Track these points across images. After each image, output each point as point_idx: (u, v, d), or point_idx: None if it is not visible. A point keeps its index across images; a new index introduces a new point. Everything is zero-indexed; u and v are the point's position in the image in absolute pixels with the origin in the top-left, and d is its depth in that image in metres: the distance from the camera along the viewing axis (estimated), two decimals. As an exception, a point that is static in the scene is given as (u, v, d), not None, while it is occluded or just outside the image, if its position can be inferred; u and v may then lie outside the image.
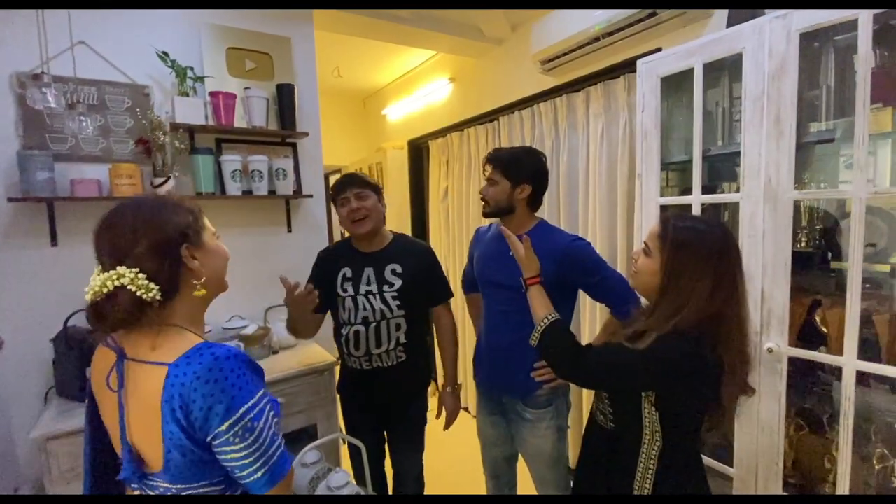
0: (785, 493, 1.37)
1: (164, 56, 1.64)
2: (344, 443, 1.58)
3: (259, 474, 0.73)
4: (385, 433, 1.72)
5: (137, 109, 1.66)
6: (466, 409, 3.13)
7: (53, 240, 1.55)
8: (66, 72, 1.53)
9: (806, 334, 1.41)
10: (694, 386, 0.97)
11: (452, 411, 1.68)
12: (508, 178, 1.43)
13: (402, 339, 1.59)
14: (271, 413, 0.75)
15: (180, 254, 0.76)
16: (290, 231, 2.03)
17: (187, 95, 1.68)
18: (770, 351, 1.34)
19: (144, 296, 0.71)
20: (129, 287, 0.70)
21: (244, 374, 0.73)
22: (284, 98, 1.86)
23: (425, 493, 1.84)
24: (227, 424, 0.69)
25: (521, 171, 1.44)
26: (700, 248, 0.94)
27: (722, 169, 1.68)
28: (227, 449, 0.71)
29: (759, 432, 1.40)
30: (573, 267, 1.39)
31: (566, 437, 1.54)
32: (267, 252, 1.97)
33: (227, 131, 1.80)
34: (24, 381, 1.55)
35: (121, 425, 0.75)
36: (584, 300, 2.24)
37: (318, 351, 1.88)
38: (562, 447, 1.53)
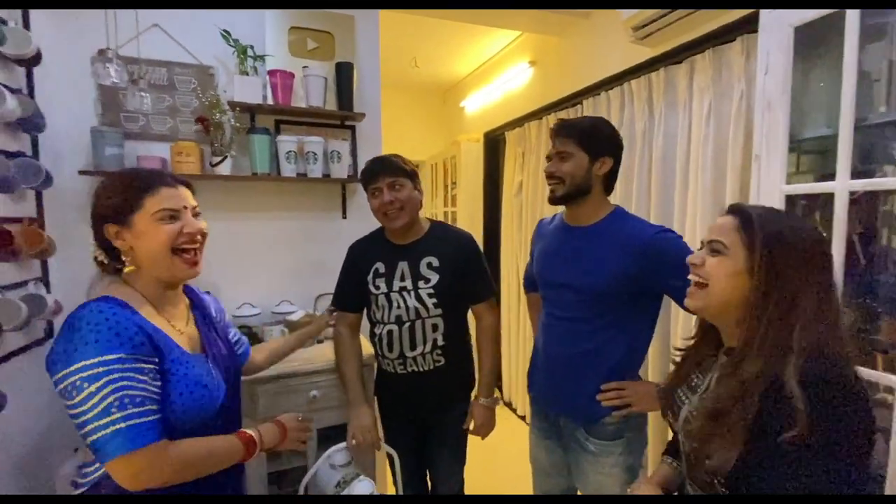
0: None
1: (226, 35, 1.64)
2: (378, 448, 1.43)
3: (89, 440, 0.73)
4: (424, 443, 1.54)
5: (203, 90, 1.68)
6: (524, 419, 2.85)
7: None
8: (137, 52, 1.59)
9: None
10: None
11: (482, 425, 1.46)
12: (586, 151, 1.17)
13: (440, 342, 1.40)
14: (97, 385, 0.72)
15: (104, 231, 0.85)
16: (344, 217, 1.95)
17: (247, 74, 1.67)
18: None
19: (99, 257, 0.88)
20: (91, 251, 0.89)
21: (100, 334, 0.74)
22: (343, 77, 1.78)
23: (467, 515, 1.64)
24: (59, 375, 0.73)
25: (602, 141, 1.17)
26: (801, 244, 0.72)
27: (881, 148, 1.24)
28: (64, 402, 0.73)
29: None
30: (658, 264, 1.10)
31: (638, 479, 1.24)
32: (320, 238, 1.91)
33: (285, 111, 1.76)
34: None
35: None
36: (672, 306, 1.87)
37: (365, 346, 1.76)
38: (633, 491, 1.23)
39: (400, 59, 3.27)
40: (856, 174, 1.17)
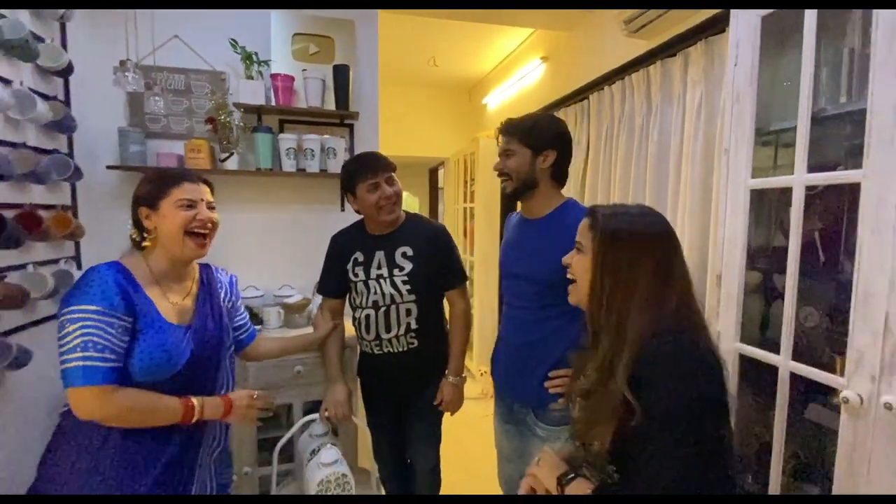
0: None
1: (234, 43, 1.82)
2: (349, 421, 1.55)
3: (60, 368, 0.90)
4: (401, 420, 1.65)
5: (216, 93, 1.87)
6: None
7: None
8: (161, 62, 1.81)
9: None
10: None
11: (450, 401, 1.54)
12: (528, 146, 1.22)
13: (413, 325, 1.49)
14: (71, 328, 0.89)
15: (139, 213, 1.06)
16: (342, 210, 2.09)
17: (252, 79, 1.84)
18: (889, 407, 0.89)
19: (133, 236, 1.09)
20: (129, 231, 1.10)
21: (91, 288, 0.92)
22: (340, 79, 1.90)
23: (441, 489, 1.73)
24: (60, 314, 0.92)
25: (543, 135, 1.22)
26: (633, 237, 0.80)
27: (847, 138, 1.18)
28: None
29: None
30: None
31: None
32: (319, 229, 2.04)
33: (287, 112, 1.92)
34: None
35: None
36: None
37: (350, 328, 1.89)
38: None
39: (417, 57, 3.38)
40: (818, 168, 1.13)
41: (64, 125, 1.49)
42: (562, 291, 1.24)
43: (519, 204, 1.37)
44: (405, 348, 1.52)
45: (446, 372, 1.57)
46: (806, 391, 1.18)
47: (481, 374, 3.41)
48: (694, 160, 1.72)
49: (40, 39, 1.41)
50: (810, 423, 1.19)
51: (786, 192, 1.14)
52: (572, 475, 0.82)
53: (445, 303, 1.61)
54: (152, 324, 1.00)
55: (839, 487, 1.01)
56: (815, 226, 1.16)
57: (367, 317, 1.51)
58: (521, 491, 0.96)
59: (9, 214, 1.24)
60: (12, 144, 1.30)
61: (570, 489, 0.81)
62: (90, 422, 0.94)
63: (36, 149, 1.39)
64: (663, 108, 1.93)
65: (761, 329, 1.35)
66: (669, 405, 0.69)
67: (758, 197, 1.31)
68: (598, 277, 0.80)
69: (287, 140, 1.88)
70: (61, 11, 1.46)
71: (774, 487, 1.19)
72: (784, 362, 1.13)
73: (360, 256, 1.52)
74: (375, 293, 1.49)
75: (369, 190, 1.44)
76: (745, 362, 1.27)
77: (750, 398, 1.34)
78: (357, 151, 2.06)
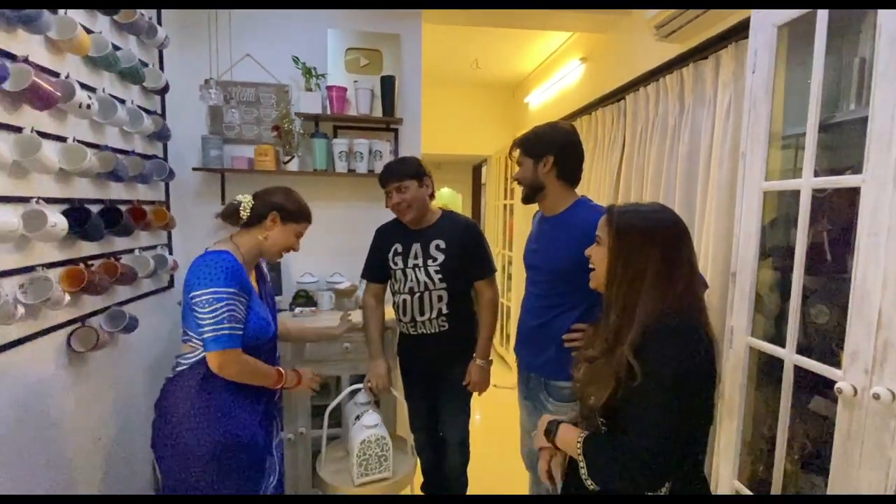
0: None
1: (296, 59, 2.07)
2: (388, 392, 1.76)
3: (205, 336, 1.12)
4: (435, 394, 1.83)
5: (280, 104, 2.14)
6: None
7: (222, 199, 2.16)
8: (235, 77, 2.10)
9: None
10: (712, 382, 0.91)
11: (477, 382, 1.71)
12: (529, 155, 1.39)
13: (444, 310, 1.68)
14: (218, 305, 1.11)
15: (268, 214, 1.27)
16: (387, 206, 2.30)
17: (311, 90, 2.09)
18: (877, 397, 0.95)
19: (242, 213, 1.26)
20: (243, 205, 1.26)
21: (215, 273, 1.12)
22: (386, 88, 2.11)
23: (470, 462, 1.90)
24: (192, 294, 1.12)
25: (541, 144, 1.37)
26: (644, 230, 0.93)
27: (857, 145, 1.22)
28: (193, 312, 1.13)
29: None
30: None
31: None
32: (367, 223, 2.26)
33: (340, 119, 2.15)
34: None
35: None
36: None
37: (391, 312, 2.10)
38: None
39: (461, 61, 3.54)
40: (838, 172, 1.18)
41: (162, 135, 1.81)
42: (570, 280, 1.38)
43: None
44: (437, 330, 1.71)
45: (474, 355, 1.74)
46: (813, 384, 1.23)
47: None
48: (721, 161, 1.77)
49: (145, 65, 1.71)
50: (815, 415, 1.25)
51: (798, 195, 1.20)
52: (557, 423, 0.99)
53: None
54: (255, 300, 1.25)
55: (834, 476, 1.08)
56: (825, 227, 1.21)
57: (405, 301, 1.71)
58: (542, 465, 1.11)
59: (123, 209, 1.56)
60: (125, 152, 1.61)
61: (559, 437, 0.97)
62: (204, 376, 1.18)
63: (142, 155, 1.70)
64: (695, 109, 1.97)
65: (776, 325, 1.40)
66: (668, 370, 0.84)
67: (777, 198, 1.37)
68: (613, 264, 0.94)
69: (340, 144, 2.12)
70: (161, 39, 1.77)
71: (777, 476, 1.25)
72: (789, 355, 1.20)
73: (399, 247, 1.72)
74: (411, 280, 1.69)
75: (388, 196, 1.69)
76: (763, 358, 1.34)
77: (766, 392, 1.41)
78: (400, 153, 2.27)
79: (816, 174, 1.14)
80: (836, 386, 1.04)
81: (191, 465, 1.15)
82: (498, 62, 3.64)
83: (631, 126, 2.47)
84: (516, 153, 1.42)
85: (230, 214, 1.28)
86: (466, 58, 3.49)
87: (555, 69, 3.40)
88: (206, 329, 1.12)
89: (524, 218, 3.58)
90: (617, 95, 2.58)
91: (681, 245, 0.94)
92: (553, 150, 1.36)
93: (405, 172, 1.65)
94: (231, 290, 1.13)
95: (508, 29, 2.95)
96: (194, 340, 1.19)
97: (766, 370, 1.37)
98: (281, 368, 1.34)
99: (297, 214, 1.32)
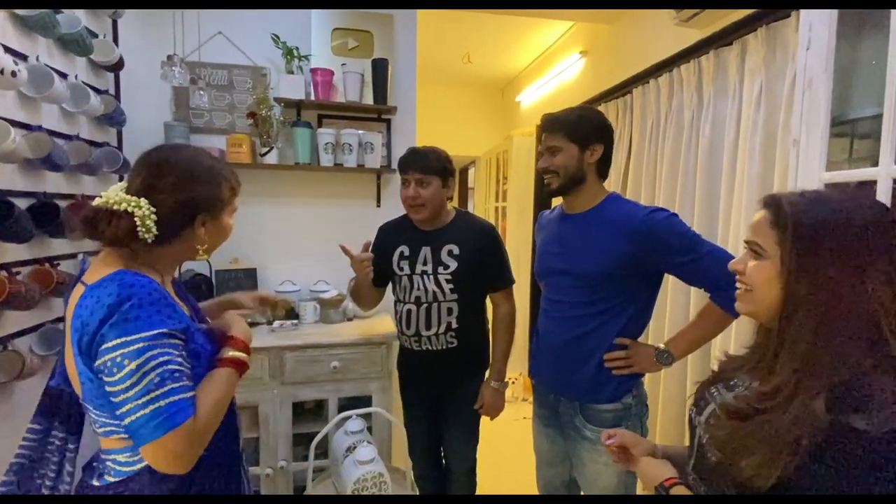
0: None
1: (275, 38, 1.83)
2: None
3: (135, 416, 0.66)
4: (438, 418, 1.61)
5: (257, 88, 1.88)
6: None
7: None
8: (205, 58, 1.83)
9: None
10: None
11: (490, 406, 1.51)
12: (575, 141, 1.18)
13: (454, 325, 1.46)
14: (160, 357, 0.68)
15: (195, 218, 0.79)
16: (378, 206, 2.07)
17: (292, 73, 1.84)
18: None
19: (141, 232, 0.72)
20: (135, 218, 0.72)
21: (142, 309, 0.68)
22: (378, 73, 1.89)
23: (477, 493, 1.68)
24: (101, 349, 0.66)
25: (589, 129, 1.18)
26: (846, 233, 0.59)
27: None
28: (108, 379, 0.67)
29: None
30: (653, 244, 1.10)
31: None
32: (355, 224, 2.04)
33: (326, 106, 1.92)
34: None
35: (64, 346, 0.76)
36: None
37: (388, 324, 1.87)
38: (631, 482, 1.20)
39: (451, 54, 3.35)
40: (909, 159, 1.03)
41: (114, 119, 1.53)
42: (607, 284, 1.19)
43: (553, 201, 1.32)
44: (444, 346, 1.48)
45: (487, 376, 1.52)
46: None
47: (513, 382, 3.32)
48: (752, 155, 1.61)
49: (94, 35, 1.44)
50: None
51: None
52: (670, 485, 0.73)
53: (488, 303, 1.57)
54: (194, 332, 0.80)
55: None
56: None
57: (409, 312, 1.48)
58: (605, 439, 0.87)
59: (61, 204, 1.28)
60: (67, 136, 1.33)
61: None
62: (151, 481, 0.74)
63: (88, 141, 1.42)
64: (716, 101, 1.83)
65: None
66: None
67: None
68: (794, 290, 0.61)
69: (325, 135, 1.88)
70: (113, 9, 1.50)
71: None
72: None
73: (405, 250, 1.49)
74: (419, 289, 1.46)
75: (404, 184, 1.45)
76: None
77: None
78: (394, 146, 2.04)
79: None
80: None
81: None
82: (490, 56, 3.47)
83: (639, 122, 2.32)
84: (549, 136, 1.20)
85: (118, 239, 0.72)
86: (457, 51, 3.30)
87: (551, 64, 3.25)
88: (125, 399, 0.67)
89: (519, 222, 3.39)
90: (622, 89, 2.43)
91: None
92: (602, 139, 1.19)
93: (432, 166, 1.42)
94: (163, 330, 0.70)
95: (504, 20, 2.78)
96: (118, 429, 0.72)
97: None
98: (225, 354, 0.82)
99: (228, 191, 0.85)
